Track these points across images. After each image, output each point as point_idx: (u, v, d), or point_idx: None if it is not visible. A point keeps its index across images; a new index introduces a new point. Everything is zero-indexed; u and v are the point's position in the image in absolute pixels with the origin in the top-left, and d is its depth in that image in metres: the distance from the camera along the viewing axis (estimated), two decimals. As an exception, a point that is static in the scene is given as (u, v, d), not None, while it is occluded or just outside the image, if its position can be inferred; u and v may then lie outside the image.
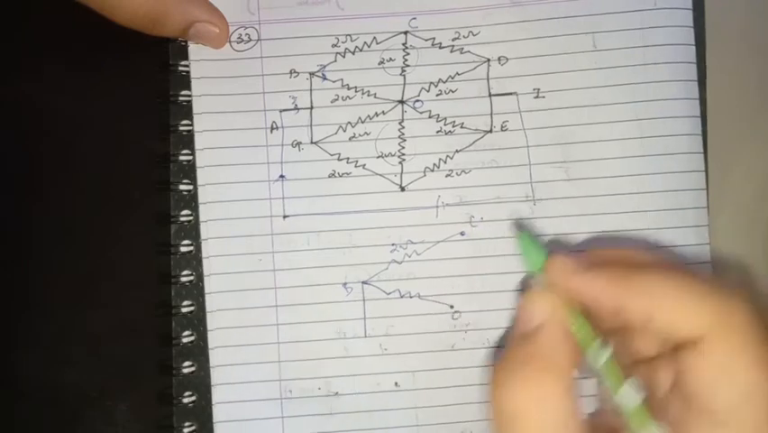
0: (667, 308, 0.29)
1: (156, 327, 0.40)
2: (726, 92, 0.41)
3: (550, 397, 0.29)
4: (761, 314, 0.29)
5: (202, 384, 0.40)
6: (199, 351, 0.40)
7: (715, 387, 0.28)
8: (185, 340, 0.40)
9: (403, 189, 0.40)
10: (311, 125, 0.40)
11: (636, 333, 0.30)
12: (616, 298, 0.30)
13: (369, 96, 0.40)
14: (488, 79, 0.40)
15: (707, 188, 0.40)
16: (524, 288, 0.39)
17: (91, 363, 0.40)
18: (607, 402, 0.30)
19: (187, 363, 0.40)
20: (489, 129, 0.40)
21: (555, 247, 0.38)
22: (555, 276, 0.31)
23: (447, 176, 0.40)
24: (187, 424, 0.40)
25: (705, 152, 0.41)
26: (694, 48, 0.40)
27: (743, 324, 0.28)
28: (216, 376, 0.39)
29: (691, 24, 0.40)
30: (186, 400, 0.40)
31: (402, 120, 0.40)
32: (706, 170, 0.40)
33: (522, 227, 0.39)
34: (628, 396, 0.29)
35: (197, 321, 0.40)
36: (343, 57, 0.40)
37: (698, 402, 0.28)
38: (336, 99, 0.40)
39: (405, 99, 0.40)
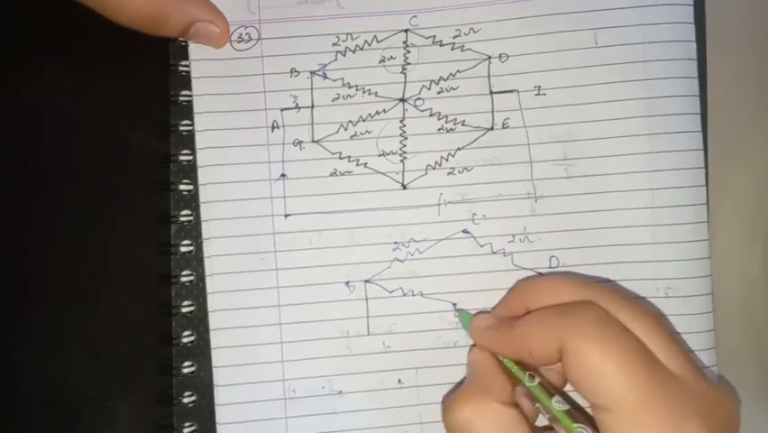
0: (536, 342, 0.34)
1: (156, 327, 0.40)
2: (727, 90, 0.41)
3: (487, 409, 0.34)
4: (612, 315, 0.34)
5: (202, 384, 0.40)
6: (199, 351, 0.40)
7: (581, 383, 0.32)
8: (185, 340, 0.40)
9: (405, 187, 0.40)
10: (312, 124, 0.40)
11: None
12: (505, 346, 0.36)
13: (370, 94, 0.40)
14: (488, 77, 0.40)
15: (706, 185, 0.40)
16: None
17: (91, 363, 0.40)
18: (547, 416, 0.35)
19: (187, 364, 0.40)
20: (490, 126, 0.40)
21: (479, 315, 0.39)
22: (474, 334, 0.38)
23: (449, 174, 0.40)
24: (187, 424, 0.39)
25: (705, 151, 0.41)
26: (695, 44, 0.40)
27: (589, 327, 0.33)
28: (219, 377, 0.39)
29: (692, 21, 0.40)
30: (186, 401, 0.39)
31: (403, 118, 0.40)
32: (706, 167, 0.40)
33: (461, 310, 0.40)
34: (557, 408, 0.34)
35: (197, 321, 0.40)
36: (344, 55, 0.40)
37: (588, 400, 0.33)
38: (337, 98, 0.40)
39: (406, 97, 0.40)
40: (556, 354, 0.33)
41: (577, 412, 0.33)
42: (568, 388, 0.36)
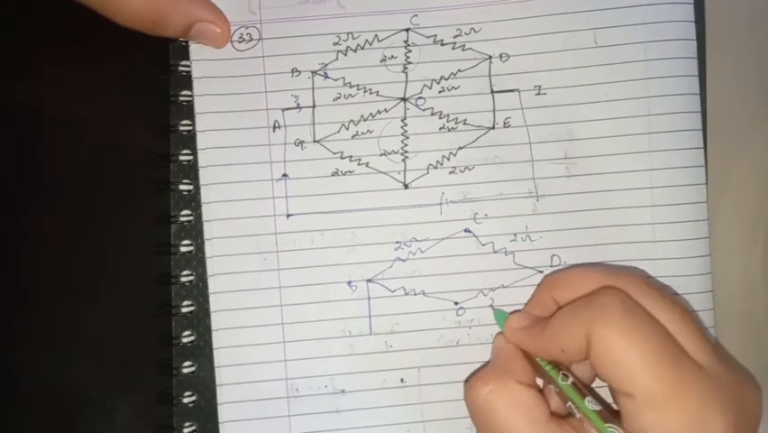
0: (565, 338, 0.34)
1: (156, 327, 0.40)
2: (727, 89, 0.42)
3: (507, 388, 0.35)
4: (636, 300, 0.34)
5: (202, 384, 0.39)
6: (199, 351, 0.40)
7: (605, 371, 0.33)
8: (185, 340, 0.40)
9: (406, 187, 0.40)
10: (313, 124, 0.40)
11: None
12: (538, 346, 0.36)
13: (371, 93, 0.40)
14: (489, 76, 0.40)
15: (706, 183, 0.40)
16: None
17: (91, 363, 0.40)
18: (574, 414, 0.35)
19: (187, 363, 0.39)
20: (491, 126, 0.40)
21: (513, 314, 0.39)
22: (508, 335, 0.38)
23: (451, 173, 0.40)
24: (187, 424, 0.39)
25: (704, 150, 0.41)
26: (695, 43, 0.40)
27: (613, 315, 0.33)
28: (221, 376, 0.39)
29: (693, 19, 0.40)
30: (186, 400, 0.39)
31: (405, 117, 0.40)
32: (705, 167, 0.41)
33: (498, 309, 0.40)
34: (589, 408, 0.34)
35: (197, 321, 0.40)
36: (345, 55, 0.40)
37: (611, 387, 0.33)
38: (338, 97, 0.40)
39: (407, 97, 0.40)
40: (585, 346, 0.33)
41: (607, 412, 0.34)
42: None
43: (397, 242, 0.40)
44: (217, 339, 0.39)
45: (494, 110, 0.40)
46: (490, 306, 0.40)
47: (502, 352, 0.38)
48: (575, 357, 0.34)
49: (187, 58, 0.40)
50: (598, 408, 0.33)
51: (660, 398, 0.31)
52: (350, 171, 0.40)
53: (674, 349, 0.32)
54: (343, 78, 0.40)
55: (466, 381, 0.39)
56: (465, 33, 0.40)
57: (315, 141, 0.40)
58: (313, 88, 0.40)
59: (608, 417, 0.33)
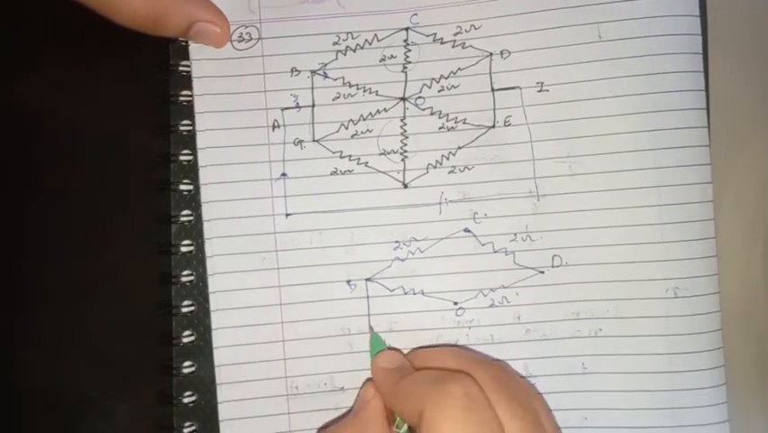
0: (404, 403, 0.34)
1: (156, 327, 0.40)
2: (728, 88, 0.41)
3: None
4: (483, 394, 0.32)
5: (202, 384, 0.39)
6: (199, 351, 0.40)
7: None
8: (185, 340, 0.40)
9: (406, 186, 0.40)
10: (313, 123, 0.40)
11: None
12: (389, 396, 0.36)
13: (370, 93, 0.40)
14: (490, 74, 0.40)
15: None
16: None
17: (91, 363, 0.40)
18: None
19: (187, 363, 0.39)
20: (491, 125, 0.40)
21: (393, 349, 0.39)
22: (372, 370, 0.38)
23: (450, 172, 0.40)
24: (187, 424, 0.39)
25: (707, 149, 0.41)
26: (700, 38, 0.40)
27: (450, 401, 0.31)
28: (221, 375, 0.39)
29: (698, 13, 0.39)
30: (186, 400, 0.39)
31: (404, 117, 0.40)
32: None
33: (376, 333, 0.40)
34: None
35: (197, 321, 0.40)
36: (344, 55, 0.40)
37: None
38: (338, 97, 0.40)
39: (406, 96, 0.40)
40: (418, 420, 0.32)
41: None
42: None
43: (396, 241, 0.40)
44: (217, 338, 0.39)
45: (494, 108, 0.40)
46: (370, 327, 0.40)
47: (365, 411, 0.37)
48: (412, 424, 0.33)
49: (187, 58, 0.40)
50: None
51: None
52: (349, 171, 0.40)
53: None
54: (343, 77, 0.40)
55: (321, 428, 0.39)
56: (465, 31, 0.40)
57: (314, 140, 0.40)
58: (312, 88, 0.40)
59: None
